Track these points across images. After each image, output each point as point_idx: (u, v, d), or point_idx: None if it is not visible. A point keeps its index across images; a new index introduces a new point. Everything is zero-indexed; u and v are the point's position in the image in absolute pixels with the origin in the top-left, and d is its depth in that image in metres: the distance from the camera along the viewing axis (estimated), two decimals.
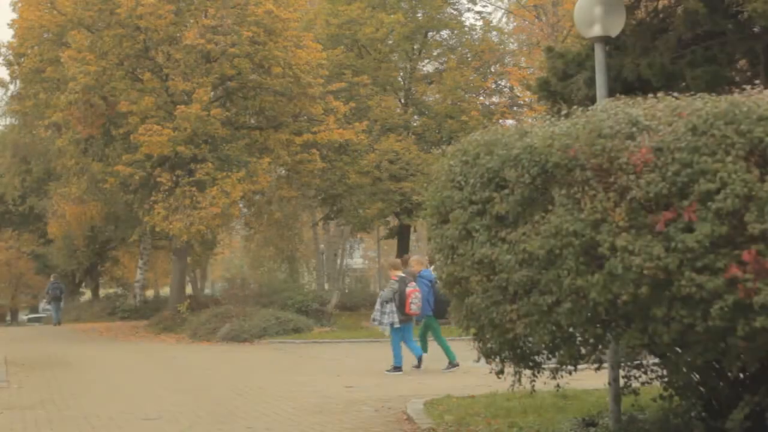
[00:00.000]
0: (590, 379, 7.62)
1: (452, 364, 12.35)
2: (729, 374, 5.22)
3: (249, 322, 19.40)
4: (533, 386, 6.15)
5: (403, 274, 12.67)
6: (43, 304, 37.55)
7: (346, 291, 35.93)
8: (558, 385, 6.21)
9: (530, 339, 5.45)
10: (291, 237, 30.41)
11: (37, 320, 37.80)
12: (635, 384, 6.08)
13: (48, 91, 23.47)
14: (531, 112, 25.07)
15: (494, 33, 30.65)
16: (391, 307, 12.31)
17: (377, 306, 12.57)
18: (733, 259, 4.29)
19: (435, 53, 30.30)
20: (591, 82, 8.26)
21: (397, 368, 12.19)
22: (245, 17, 21.28)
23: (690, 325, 4.50)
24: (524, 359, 5.85)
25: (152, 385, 11.51)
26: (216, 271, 54.27)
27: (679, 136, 4.57)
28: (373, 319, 12.83)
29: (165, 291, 38.60)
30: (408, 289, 12.32)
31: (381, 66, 28.20)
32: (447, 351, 12.45)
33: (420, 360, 12.55)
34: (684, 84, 8.33)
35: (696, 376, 5.39)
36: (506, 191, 5.31)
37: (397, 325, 12.25)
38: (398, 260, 13.88)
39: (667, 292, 4.50)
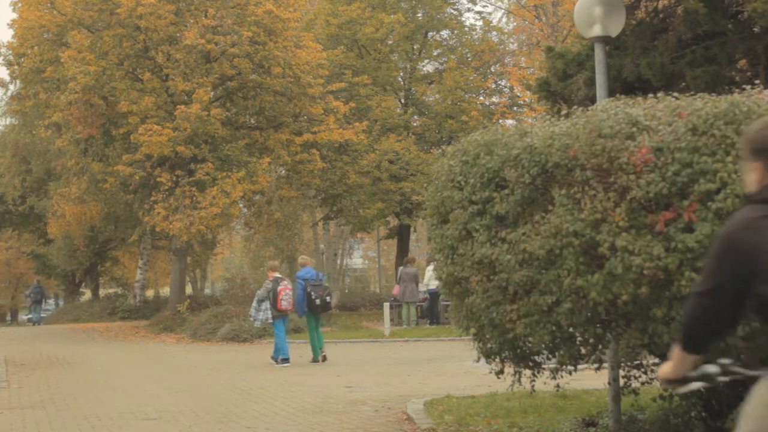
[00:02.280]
0: (590, 379, 7.64)
1: (315, 359, 13.91)
2: None
3: (249, 322, 19.36)
4: (533, 386, 6.15)
5: (278, 275, 14.01)
6: (43, 305, 37.59)
7: (346, 291, 35.92)
8: (558, 385, 6.21)
9: (530, 339, 5.45)
10: (291, 237, 30.34)
11: (40, 319, 37.75)
12: (635, 384, 6.08)
13: (48, 91, 23.46)
14: (531, 112, 25.08)
15: (494, 33, 30.64)
16: (265, 305, 13.68)
17: (254, 304, 13.97)
18: None
19: (435, 53, 30.29)
20: (591, 82, 8.26)
21: (284, 360, 13.55)
22: (245, 17, 21.28)
23: None
24: (524, 359, 5.85)
25: (152, 385, 11.51)
26: (216, 271, 54.29)
27: (679, 136, 4.57)
28: (250, 316, 14.36)
29: (165, 291, 38.58)
30: (279, 288, 13.60)
31: (381, 66, 28.19)
32: (313, 346, 13.97)
33: (280, 360, 13.59)
34: (684, 84, 8.33)
35: None
36: (506, 191, 5.31)
37: (270, 321, 13.68)
38: (276, 263, 15.22)
39: (667, 292, 4.50)
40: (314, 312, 13.85)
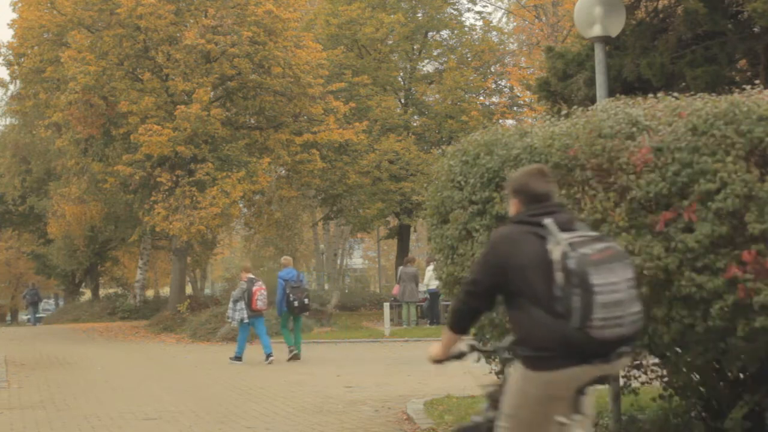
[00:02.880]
0: None
1: (292, 351, 14.17)
2: (729, 374, 5.22)
3: None
4: None
5: (252, 276, 14.39)
6: (43, 304, 37.71)
7: (346, 291, 35.94)
8: None
9: None
10: (291, 237, 30.38)
11: (38, 320, 37.82)
12: (635, 384, 6.07)
13: (48, 91, 23.46)
14: (531, 112, 25.08)
15: (494, 33, 30.65)
16: (241, 305, 14.01)
17: (230, 305, 14.27)
18: (733, 259, 4.28)
19: (435, 53, 30.30)
20: (591, 82, 8.26)
21: (238, 358, 13.98)
22: (245, 17, 21.28)
23: (690, 325, 4.50)
24: None
25: (152, 385, 11.51)
26: (216, 271, 54.25)
27: (679, 136, 4.57)
28: (227, 316, 14.73)
29: (165, 291, 38.58)
30: (254, 288, 14.00)
31: (381, 66, 28.19)
32: (290, 340, 14.23)
33: (269, 356, 13.97)
34: (684, 84, 8.33)
35: (696, 376, 5.39)
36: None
37: (246, 321, 13.97)
38: (248, 264, 15.64)
39: (667, 292, 4.50)
40: (292, 313, 14.10)
